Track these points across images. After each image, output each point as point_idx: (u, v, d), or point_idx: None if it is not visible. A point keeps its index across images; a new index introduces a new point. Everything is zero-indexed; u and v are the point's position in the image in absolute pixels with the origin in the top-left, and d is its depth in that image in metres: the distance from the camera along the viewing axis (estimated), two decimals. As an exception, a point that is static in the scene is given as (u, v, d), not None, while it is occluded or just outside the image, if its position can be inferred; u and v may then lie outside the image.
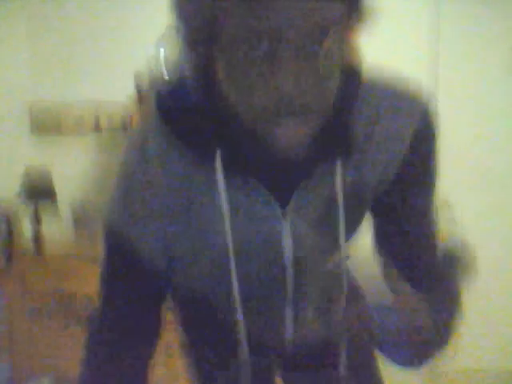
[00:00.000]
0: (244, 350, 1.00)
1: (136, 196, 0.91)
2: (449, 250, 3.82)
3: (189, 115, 0.86)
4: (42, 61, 3.92)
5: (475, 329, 3.72)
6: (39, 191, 3.58)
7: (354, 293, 0.98)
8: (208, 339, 1.15)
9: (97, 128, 3.86)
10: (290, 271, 0.95)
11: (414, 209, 0.96)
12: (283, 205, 0.91)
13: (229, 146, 0.84)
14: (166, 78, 0.90)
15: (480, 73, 3.73)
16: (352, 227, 0.97)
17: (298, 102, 0.73)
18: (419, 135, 0.94)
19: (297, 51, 0.72)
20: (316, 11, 0.71)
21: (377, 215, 0.99)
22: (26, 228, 3.76)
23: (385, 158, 0.90)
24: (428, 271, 1.03)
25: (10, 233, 3.53)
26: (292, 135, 0.75)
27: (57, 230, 3.75)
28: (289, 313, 1.02)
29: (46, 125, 3.94)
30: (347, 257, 0.98)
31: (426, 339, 0.85)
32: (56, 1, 3.90)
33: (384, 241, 0.99)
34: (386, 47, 3.74)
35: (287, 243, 0.92)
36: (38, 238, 3.59)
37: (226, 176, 0.85)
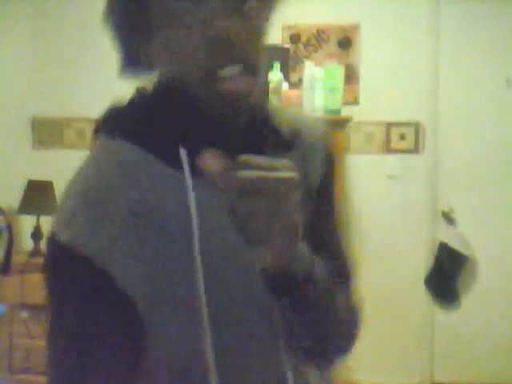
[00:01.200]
0: None
1: (102, 210, 0.80)
2: (454, 253, 3.80)
3: (142, 120, 0.85)
4: (44, 76, 3.96)
5: (476, 342, 3.73)
6: (41, 205, 3.60)
7: None
8: None
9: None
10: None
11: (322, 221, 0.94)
12: None
13: (189, 140, 0.82)
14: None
15: (480, 84, 3.77)
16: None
17: (236, 44, 0.76)
18: (329, 159, 0.97)
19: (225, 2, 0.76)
20: None
21: None
22: (27, 241, 3.78)
23: (311, 171, 0.93)
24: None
25: (11, 244, 3.55)
26: (239, 85, 0.77)
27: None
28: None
29: (48, 139, 3.97)
30: None
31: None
32: (57, 18, 3.96)
33: None
34: (387, 62, 3.80)
35: (251, 263, 0.81)
36: (38, 250, 3.61)
37: (192, 176, 0.82)
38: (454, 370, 3.75)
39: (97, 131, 0.88)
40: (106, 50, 4.12)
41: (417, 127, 3.79)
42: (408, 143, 3.78)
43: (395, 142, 3.79)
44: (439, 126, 3.79)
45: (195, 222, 0.81)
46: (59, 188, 3.64)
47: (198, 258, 0.81)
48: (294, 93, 3.36)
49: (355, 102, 3.77)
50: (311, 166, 0.93)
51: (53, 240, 0.81)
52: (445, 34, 3.78)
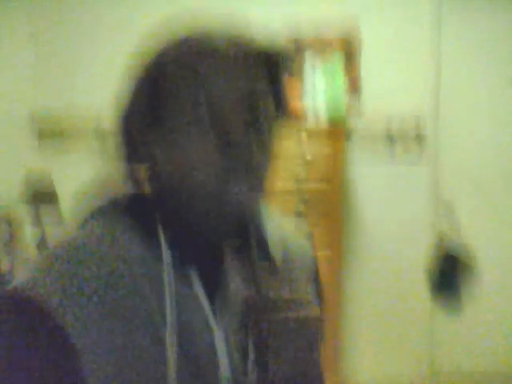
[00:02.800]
0: None
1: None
2: (450, 251, 3.84)
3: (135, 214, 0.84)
4: (45, 68, 3.95)
5: (476, 332, 3.74)
6: (41, 195, 3.60)
7: None
8: None
9: (98, 135, 3.89)
10: None
11: None
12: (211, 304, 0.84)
13: (172, 232, 0.82)
14: None
15: (482, 81, 3.76)
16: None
17: (249, 163, 0.77)
18: (315, 274, 0.99)
19: (240, 118, 0.78)
20: (250, 87, 0.79)
21: None
22: (28, 232, 3.79)
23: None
24: None
25: (12, 235, 3.56)
26: (244, 193, 0.78)
27: (59, 233, 3.77)
28: None
29: (49, 130, 3.97)
30: None
31: None
32: (57, 15, 3.95)
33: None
34: (388, 58, 3.79)
35: (222, 355, 0.81)
36: (41, 243, 3.61)
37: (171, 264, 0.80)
38: (454, 361, 3.77)
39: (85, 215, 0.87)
40: (106, 46, 4.12)
41: (418, 122, 3.78)
42: (410, 138, 3.77)
43: (397, 137, 3.78)
44: (441, 121, 3.78)
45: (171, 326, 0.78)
46: (59, 179, 3.64)
47: (172, 359, 0.77)
48: (295, 83, 3.36)
49: (356, 93, 3.76)
50: (299, 282, 0.93)
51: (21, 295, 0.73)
52: (447, 30, 3.76)
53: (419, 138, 3.78)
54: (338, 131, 3.29)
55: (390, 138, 3.78)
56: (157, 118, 0.80)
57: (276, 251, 0.91)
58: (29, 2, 3.92)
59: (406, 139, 3.78)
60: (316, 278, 0.99)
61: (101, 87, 3.74)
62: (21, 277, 0.75)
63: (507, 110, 3.76)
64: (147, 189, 0.86)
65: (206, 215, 0.79)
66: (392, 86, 3.75)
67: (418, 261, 3.74)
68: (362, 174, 3.78)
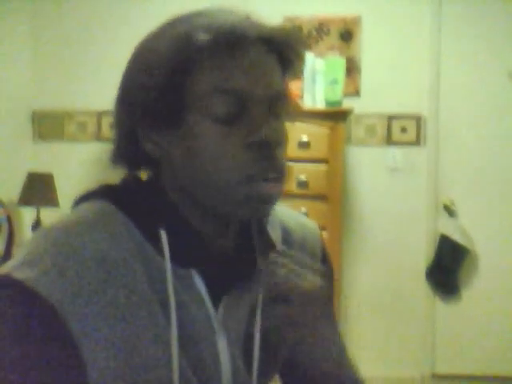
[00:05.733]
0: None
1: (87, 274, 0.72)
2: (450, 249, 3.82)
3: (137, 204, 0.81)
4: (44, 69, 3.95)
5: (475, 335, 3.74)
6: (41, 197, 3.59)
7: None
8: None
9: (98, 137, 3.89)
10: None
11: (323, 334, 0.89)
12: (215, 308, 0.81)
13: (175, 230, 0.79)
14: None
15: (481, 77, 3.76)
16: (270, 360, 0.82)
17: (275, 149, 0.76)
18: (324, 265, 0.96)
19: (265, 106, 0.77)
20: (273, 76, 0.78)
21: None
22: (28, 232, 3.78)
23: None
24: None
25: (11, 236, 3.55)
26: (274, 190, 0.77)
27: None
28: None
29: (49, 131, 3.97)
30: None
31: None
32: (57, 12, 3.94)
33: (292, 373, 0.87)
34: (388, 55, 3.79)
35: (224, 356, 0.80)
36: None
37: (172, 262, 0.77)
38: (454, 363, 3.76)
39: (83, 198, 0.85)
40: (106, 43, 4.12)
41: (418, 120, 3.78)
42: (409, 136, 3.77)
43: (396, 135, 3.78)
44: (441, 118, 3.78)
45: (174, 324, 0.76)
46: (60, 180, 3.63)
47: (175, 353, 0.74)
48: (295, 85, 3.35)
49: (356, 94, 3.76)
50: (302, 262, 0.91)
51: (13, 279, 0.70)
52: (447, 26, 3.76)
53: (419, 136, 3.78)
54: (336, 112, 3.29)
55: (390, 136, 3.78)
56: (174, 106, 0.76)
57: (276, 235, 0.90)
58: (29, 2, 3.92)
59: (406, 137, 3.78)
60: (323, 258, 0.97)
61: (101, 87, 3.75)
62: (12, 260, 0.73)
63: (506, 105, 3.75)
64: (151, 182, 0.84)
65: (231, 208, 0.78)
66: (392, 84, 3.75)
67: (417, 260, 3.74)
68: (362, 173, 3.78)
